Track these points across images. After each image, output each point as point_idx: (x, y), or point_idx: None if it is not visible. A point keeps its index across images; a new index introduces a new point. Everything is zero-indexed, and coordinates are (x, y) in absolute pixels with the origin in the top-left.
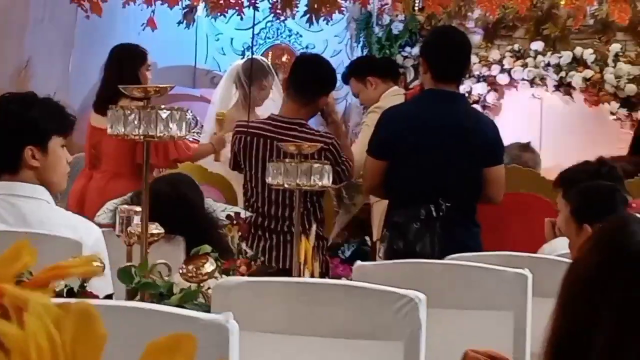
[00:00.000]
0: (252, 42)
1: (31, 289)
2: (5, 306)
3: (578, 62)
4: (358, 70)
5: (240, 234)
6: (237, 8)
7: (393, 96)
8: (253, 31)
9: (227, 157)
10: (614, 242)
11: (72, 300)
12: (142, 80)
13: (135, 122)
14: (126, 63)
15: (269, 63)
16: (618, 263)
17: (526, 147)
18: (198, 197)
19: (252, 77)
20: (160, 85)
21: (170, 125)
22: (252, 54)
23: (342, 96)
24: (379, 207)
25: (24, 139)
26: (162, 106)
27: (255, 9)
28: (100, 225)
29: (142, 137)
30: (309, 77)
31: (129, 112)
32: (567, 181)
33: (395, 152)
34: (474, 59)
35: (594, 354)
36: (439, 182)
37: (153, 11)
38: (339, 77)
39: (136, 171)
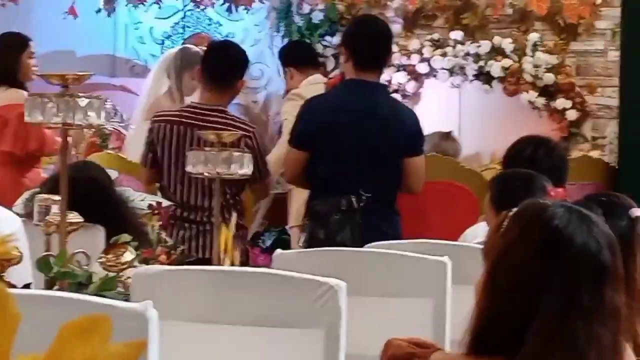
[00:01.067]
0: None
1: None
2: None
3: (497, 52)
4: (280, 60)
5: (160, 223)
6: None
7: (311, 85)
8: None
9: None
10: (541, 227)
11: (14, 291)
12: (23, 68)
13: (54, 110)
14: (4, 51)
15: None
16: (550, 247)
17: (447, 136)
18: (108, 180)
19: (182, 67)
20: (79, 73)
21: (89, 113)
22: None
23: (262, 85)
24: (297, 195)
25: None
26: (81, 94)
27: None
28: (18, 216)
29: (61, 125)
30: (223, 63)
31: (47, 100)
32: (505, 164)
33: (317, 143)
34: (394, 48)
35: (531, 332)
36: (360, 172)
37: (73, 1)
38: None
39: (5, 160)
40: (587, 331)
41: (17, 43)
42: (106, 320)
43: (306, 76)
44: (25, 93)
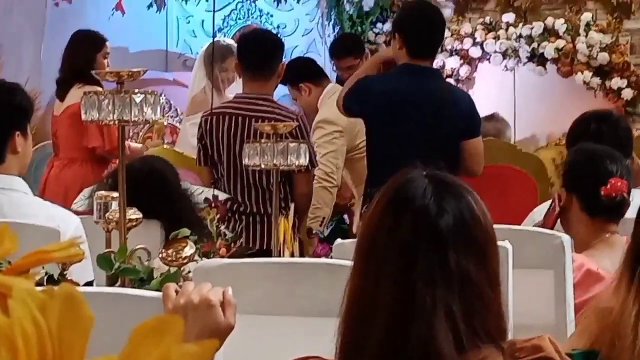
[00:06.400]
0: (213, 24)
1: (13, 275)
2: None
3: (550, 33)
4: (290, 78)
5: (218, 216)
6: None
7: (330, 98)
8: (214, 14)
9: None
10: (390, 192)
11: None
12: (98, 67)
13: (110, 107)
14: (81, 49)
15: (232, 44)
16: (392, 209)
17: (489, 117)
18: (173, 174)
19: (214, 60)
20: (133, 70)
21: (145, 109)
22: (214, 36)
23: None
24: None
25: (13, 125)
26: (136, 90)
27: None
28: (77, 213)
29: (116, 122)
30: (261, 52)
31: (102, 97)
32: (569, 142)
33: (372, 126)
34: (446, 32)
35: (381, 308)
36: (417, 156)
37: None
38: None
39: (87, 156)
40: (431, 296)
41: (95, 41)
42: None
43: (323, 89)
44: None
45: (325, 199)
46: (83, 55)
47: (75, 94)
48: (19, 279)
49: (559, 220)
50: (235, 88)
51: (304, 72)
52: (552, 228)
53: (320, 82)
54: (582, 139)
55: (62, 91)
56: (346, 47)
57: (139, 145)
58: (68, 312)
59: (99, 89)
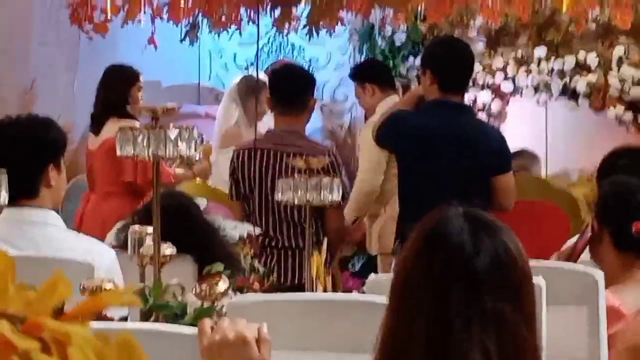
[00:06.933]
0: (257, 58)
1: (69, 321)
2: (46, 340)
3: (582, 67)
4: (358, 75)
5: (252, 251)
6: (237, 24)
7: (388, 107)
8: (257, 47)
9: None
10: (426, 228)
11: (112, 324)
12: (132, 101)
13: (145, 143)
14: (115, 83)
15: (263, 78)
16: (427, 245)
17: (517, 154)
18: (197, 209)
19: (251, 93)
20: (168, 106)
21: (179, 144)
22: (257, 66)
23: (347, 109)
24: (377, 222)
25: (47, 159)
26: (171, 125)
27: (255, 24)
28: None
29: (151, 157)
30: (293, 87)
31: (137, 132)
32: (599, 178)
33: (405, 163)
34: (478, 67)
35: (416, 342)
36: (448, 192)
37: (152, 32)
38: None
39: (124, 190)
40: (466, 335)
41: (128, 75)
42: None
43: (386, 95)
44: (137, 123)
45: (361, 204)
46: (117, 89)
47: (111, 129)
48: (76, 326)
49: (587, 249)
50: (266, 120)
51: (373, 74)
52: (581, 252)
53: (385, 89)
54: (611, 175)
55: (96, 125)
56: None
57: (182, 171)
58: (124, 359)
59: (135, 122)
